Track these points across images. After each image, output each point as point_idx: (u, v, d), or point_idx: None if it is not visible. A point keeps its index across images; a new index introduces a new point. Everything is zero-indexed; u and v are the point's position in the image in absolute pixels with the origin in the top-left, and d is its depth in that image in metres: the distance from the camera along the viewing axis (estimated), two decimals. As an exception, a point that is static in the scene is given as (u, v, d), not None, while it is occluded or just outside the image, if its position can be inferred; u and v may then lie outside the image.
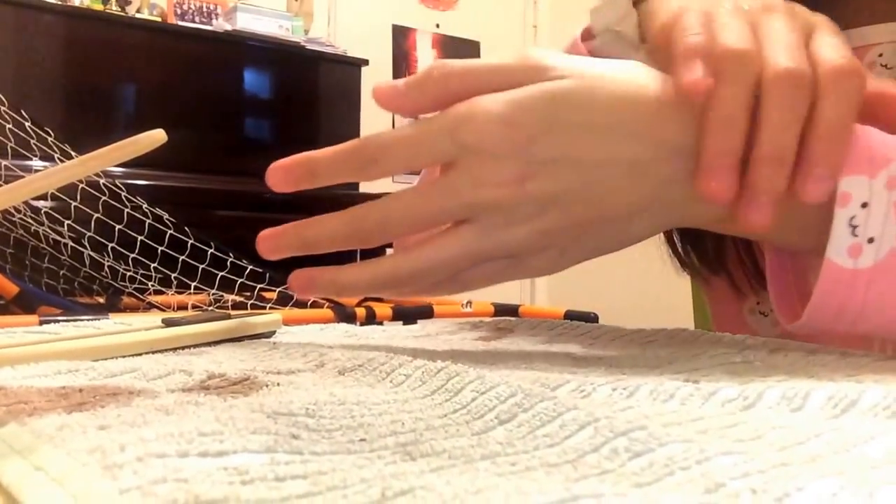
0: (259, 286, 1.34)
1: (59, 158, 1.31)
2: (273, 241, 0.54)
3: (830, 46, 0.46)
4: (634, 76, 0.48)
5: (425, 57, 4.40)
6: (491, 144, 0.46)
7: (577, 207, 0.47)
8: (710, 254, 0.72)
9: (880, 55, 0.66)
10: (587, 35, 0.63)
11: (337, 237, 0.52)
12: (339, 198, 3.15)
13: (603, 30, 0.59)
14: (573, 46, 0.64)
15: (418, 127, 0.48)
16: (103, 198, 1.32)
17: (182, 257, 1.30)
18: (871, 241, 0.45)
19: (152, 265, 1.30)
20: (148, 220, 1.31)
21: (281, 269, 1.40)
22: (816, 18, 0.49)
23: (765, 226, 0.45)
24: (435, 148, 0.48)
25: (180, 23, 3.34)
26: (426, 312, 1.29)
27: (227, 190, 2.87)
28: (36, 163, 1.38)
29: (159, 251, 1.29)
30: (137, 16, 3.20)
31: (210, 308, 1.31)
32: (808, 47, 0.46)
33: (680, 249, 0.75)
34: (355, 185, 3.40)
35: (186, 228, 1.32)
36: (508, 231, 0.47)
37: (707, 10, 0.48)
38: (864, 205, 0.44)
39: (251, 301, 1.33)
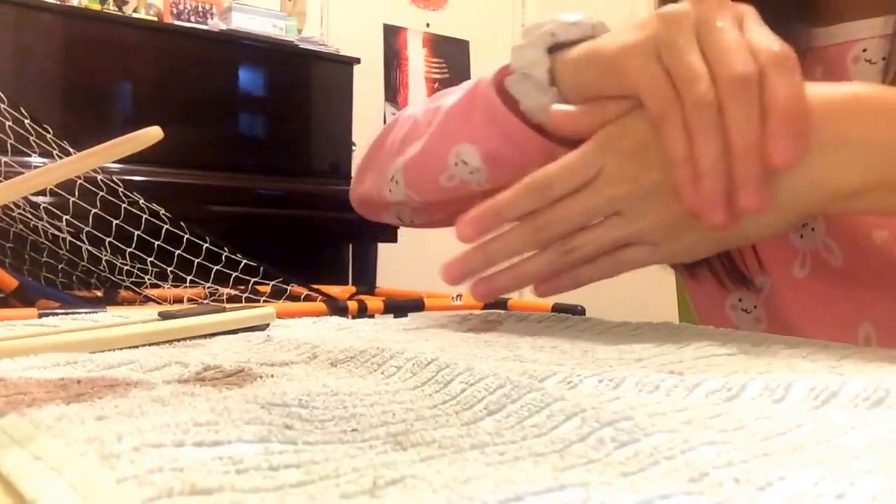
0: (253, 280, 1.34)
1: (57, 155, 1.31)
2: (460, 268, 0.60)
3: (762, 35, 0.51)
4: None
5: (416, 56, 4.39)
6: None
7: None
8: None
9: (864, 50, 0.67)
10: (506, 72, 0.68)
11: (522, 249, 0.59)
12: (334, 193, 3.16)
13: (518, 70, 0.65)
14: (473, 89, 0.72)
15: (575, 155, 0.56)
16: (101, 193, 1.31)
17: (178, 252, 1.29)
18: None
19: (149, 259, 1.30)
20: (144, 216, 1.30)
21: (274, 264, 1.40)
22: (743, 8, 0.53)
23: (765, 206, 0.50)
24: (589, 169, 0.55)
25: (176, 22, 3.33)
26: (417, 305, 1.29)
27: (223, 186, 2.87)
28: (35, 159, 1.38)
29: (156, 245, 1.29)
30: (134, 15, 3.19)
31: (205, 301, 1.31)
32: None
33: None
34: (348, 181, 3.40)
35: (182, 223, 1.31)
36: (644, 219, 0.54)
37: (647, 42, 0.53)
38: None
39: (246, 294, 1.32)
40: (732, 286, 0.74)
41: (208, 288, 1.33)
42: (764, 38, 0.51)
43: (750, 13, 0.53)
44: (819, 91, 0.51)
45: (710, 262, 0.73)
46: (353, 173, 0.91)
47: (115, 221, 1.30)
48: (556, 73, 0.62)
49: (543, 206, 0.56)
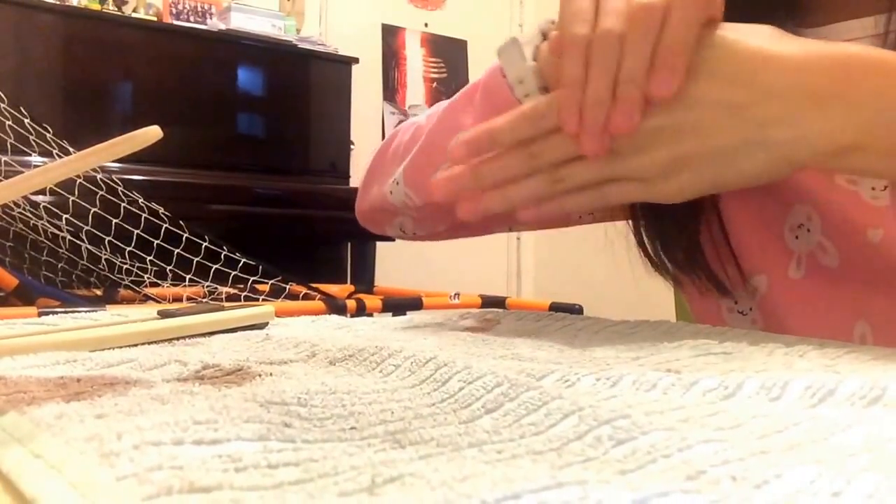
0: (252, 279, 1.34)
1: (57, 154, 1.31)
2: (449, 184, 0.60)
3: None
4: (738, 32, 0.55)
5: (414, 55, 4.39)
6: None
7: (688, 140, 0.55)
8: (679, 256, 0.74)
9: None
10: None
11: (512, 174, 0.59)
12: (333, 192, 3.16)
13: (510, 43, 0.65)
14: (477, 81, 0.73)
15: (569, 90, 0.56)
16: (100, 192, 1.32)
17: (177, 250, 1.30)
18: None
19: (148, 258, 1.30)
20: (144, 215, 1.30)
21: (272, 263, 1.40)
22: None
23: (632, 126, 0.54)
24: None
25: (176, 22, 3.32)
26: (415, 304, 1.30)
27: (222, 185, 2.87)
28: (35, 158, 1.38)
29: (155, 244, 1.29)
30: (134, 15, 3.19)
31: (204, 300, 1.31)
32: None
33: (651, 252, 0.76)
34: (347, 180, 3.40)
35: (181, 222, 1.32)
36: (636, 158, 0.56)
37: None
38: None
39: (244, 293, 1.33)
40: (718, 295, 0.75)
41: (207, 287, 1.33)
42: None
43: None
44: (817, 48, 0.53)
45: (693, 273, 0.74)
46: (360, 186, 0.91)
47: (114, 220, 1.30)
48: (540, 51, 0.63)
49: (537, 134, 0.58)
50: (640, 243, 0.77)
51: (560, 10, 0.56)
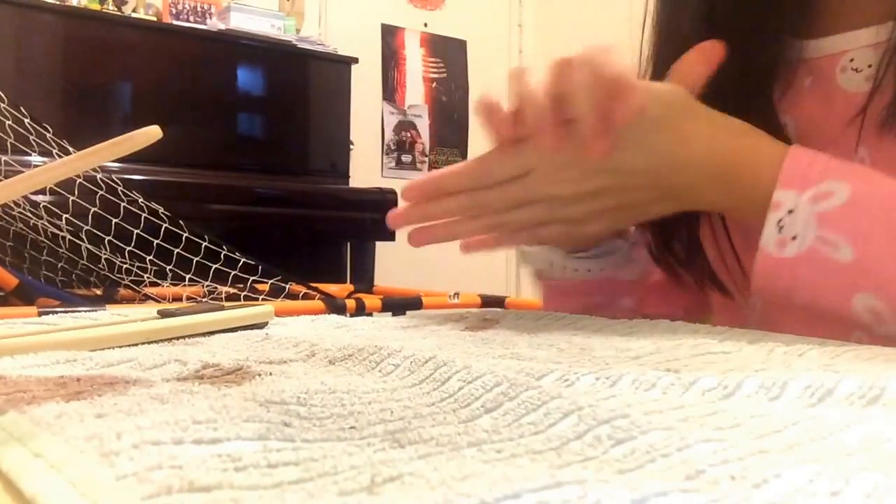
0: (252, 278, 1.35)
1: (57, 154, 1.31)
2: (402, 218, 0.73)
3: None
4: (664, 110, 0.65)
5: (413, 55, 4.39)
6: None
7: (616, 196, 0.66)
8: (679, 250, 0.78)
9: (851, 60, 0.70)
10: None
11: (456, 215, 0.71)
12: (332, 192, 3.16)
13: None
14: None
15: (517, 152, 0.68)
16: (100, 192, 1.32)
17: (177, 250, 1.30)
18: (794, 238, 0.60)
19: (148, 258, 1.30)
20: (144, 214, 1.31)
21: (272, 262, 1.40)
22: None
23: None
24: (526, 166, 0.68)
25: (175, 22, 3.33)
26: (414, 304, 1.30)
27: (221, 185, 2.87)
28: (35, 158, 1.38)
29: (155, 244, 1.29)
30: (133, 15, 3.19)
31: (204, 300, 1.31)
32: None
33: (654, 247, 0.79)
34: (346, 180, 3.40)
35: (181, 222, 1.32)
36: (571, 208, 0.67)
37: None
38: (791, 211, 0.60)
39: (244, 293, 1.33)
40: (719, 294, 0.78)
41: (207, 286, 1.33)
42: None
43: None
44: (721, 136, 0.65)
45: (694, 268, 0.78)
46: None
47: (114, 220, 1.30)
48: None
49: (480, 187, 0.69)
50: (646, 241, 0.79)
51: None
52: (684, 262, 0.78)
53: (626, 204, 0.67)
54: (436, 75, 4.46)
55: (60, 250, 1.33)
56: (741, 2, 0.72)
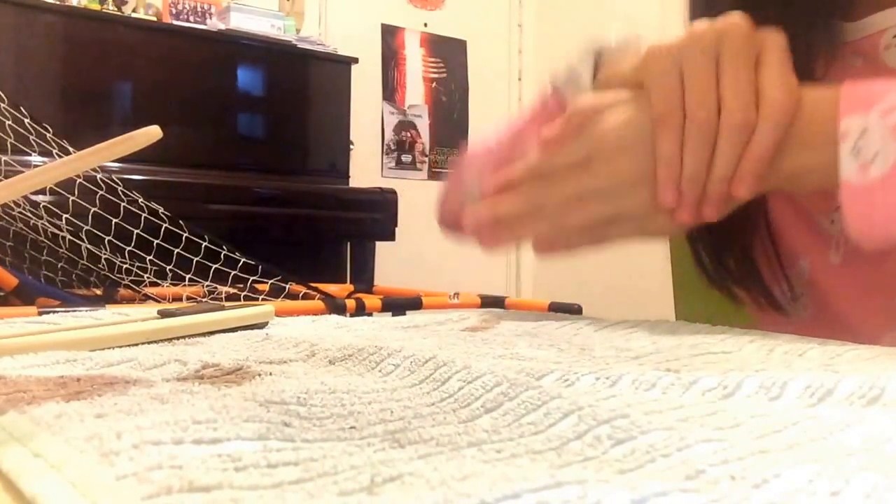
0: (252, 278, 1.34)
1: (57, 154, 1.31)
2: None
3: (772, 77, 0.59)
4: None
5: (413, 55, 4.39)
6: None
7: None
8: (732, 266, 0.76)
9: (894, 36, 0.69)
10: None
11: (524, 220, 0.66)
12: (332, 192, 3.16)
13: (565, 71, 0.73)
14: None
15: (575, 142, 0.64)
16: (100, 192, 1.31)
17: (177, 250, 1.30)
18: (875, 158, 0.55)
19: (148, 258, 1.30)
20: (144, 214, 1.30)
21: (272, 262, 1.40)
22: (766, 40, 0.60)
23: (716, 216, 0.61)
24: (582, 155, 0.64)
25: (175, 22, 3.33)
26: (415, 304, 1.29)
27: (221, 184, 2.87)
28: (35, 158, 1.38)
29: (155, 244, 1.29)
30: (133, 15, 3.19)
31: (204, 300, 1.31)
32: (757, 73, 0.59)
33: (707, 267, 0.77)
34: (346, 180, 3.40)
35: (181, 222, 1.31)
36: (626, 200, 0.63)
37: (674, 54, 0.60)
38: (864, 132, 0.56)
39: (244, 293, 1.33)
40: (772, 309, 0.76)
41: (207, 286, 1.33)
42: (771, 83, 0.58)
43: (772, 46, 0.59)
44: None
45: (748, 284, 0.76)
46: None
47: (114, 220, 1.30)
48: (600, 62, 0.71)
49: (539, 178, 0.65)
50: (698, 261, 0.78)
51: (650, 82, 0.61)
52: (738, 279, 0.76)
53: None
54: (436, 75, 4.46)
55: (60, 250, 1.33)
56: None
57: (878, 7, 0.70)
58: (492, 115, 4.58)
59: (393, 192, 3.24)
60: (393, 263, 3.59)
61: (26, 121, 1.35)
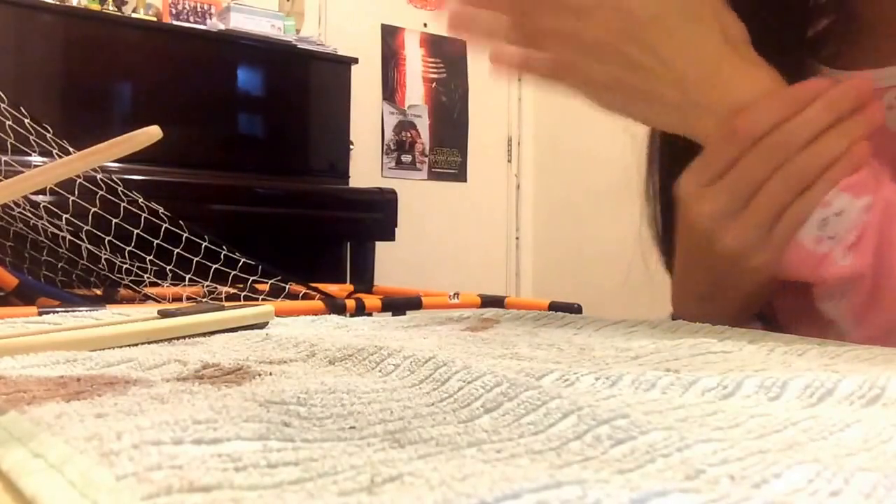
0: (252, 278, 1.35)
1: (57, 154, 1.31)
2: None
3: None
4: None
5: (413, 55, 4.40)
6: None
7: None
8: None
9: None
10: None
11: None
12: (332, 192, 3.16)
13: None
14: None
15: None
16: (100, 192, 1.32)
17: (177, 250, 1.30)
18: (831, 238, 0.58)
19: (148, 258, 1.30)
20: (144, 214, 1.31)
21: (272, 262, 1.40)
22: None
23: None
24: None
25: (175, 22, 3.33)
26: (414, 304, 1.30)
27: (221, 185, 2.87)
28: (35, 158, 1.38)
29: (155, 244, 1.29)
30: (133, 15, 3.19)
31: (204, 300, 1.31)
32: None
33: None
34: (346, 180, 3.40)
35: (181, 222, 1.32)
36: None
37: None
38: (840, 213, 0.58)
39: (244, 293, 1.33)
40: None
41: (207, 286, 1.33)
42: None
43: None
44: None
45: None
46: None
47: (114, 220, 1.30)
48: None
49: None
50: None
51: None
52: None
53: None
54: (436, 75, 4.46)
55: (60, 250, 1.33)
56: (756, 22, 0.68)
57: (880, 62, 0.69)
58: (492, 115, 4.58)
59: (393, 192, 3.24)
60: (393, 263, 3.59)
61: (26, 121, 1.35)
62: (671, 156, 0.74)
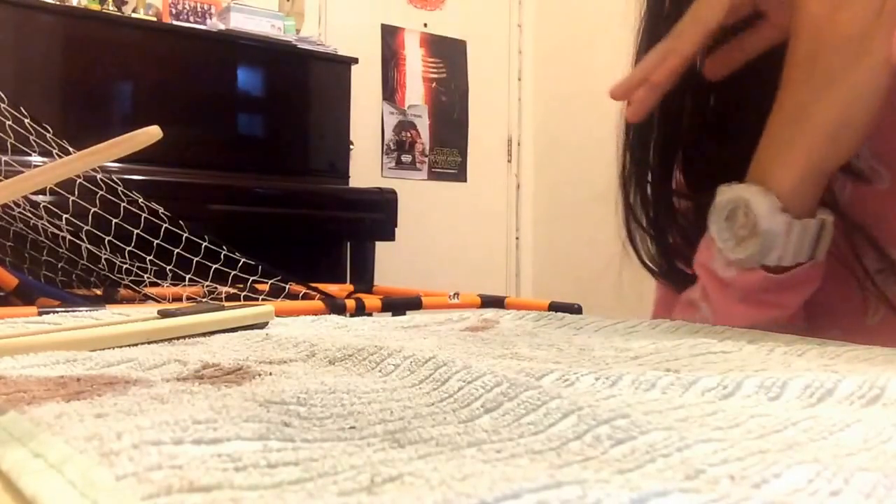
0: (252, 278, 1.35)
1: (57, 154, 1.31)
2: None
3: None
4: None
5: (413, 55, 4.40)
6: None
7: None
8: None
9: None
10: None
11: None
12: (332, 192, 3.16)
13: None
14: None
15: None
16: (100, 192, 1.32)
17: (177, 250, 1.30)
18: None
19: (148, 258, 1.30)
20: (144, 214, 1.31)
21: (272, 262, 1.40)
22: None
23: None
24: None
25: (175, 22, 3.33)
26: (414, 304, 1.30)
27: (221, 185, 2.87)
28: (35, 158, 1.38)
29: (155, 244, 1.29)
30: (133, 15, 3.19)
31: (204, 300, 1.31)
32: None
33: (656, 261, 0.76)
34: (346, 180, 3.40)
35: (181, 222, 1.32)
36: None
37: None
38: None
39: (244, 293, 1.33)
40: None
41: (207, 286, 1.33)
42: None
43: None
44: None
45: None
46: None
47: (114, 220, 1.30)
48: None
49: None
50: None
51: None
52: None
53: None
54: (436, 75, 4.47)
55: (60, 250, 1.33)
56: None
57: None
58: (492, 115, 4.58)
59: (393, 192, 3.24)
60: (393, 263, 3.59)
61: (26, 121, 1.35)
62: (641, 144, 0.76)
